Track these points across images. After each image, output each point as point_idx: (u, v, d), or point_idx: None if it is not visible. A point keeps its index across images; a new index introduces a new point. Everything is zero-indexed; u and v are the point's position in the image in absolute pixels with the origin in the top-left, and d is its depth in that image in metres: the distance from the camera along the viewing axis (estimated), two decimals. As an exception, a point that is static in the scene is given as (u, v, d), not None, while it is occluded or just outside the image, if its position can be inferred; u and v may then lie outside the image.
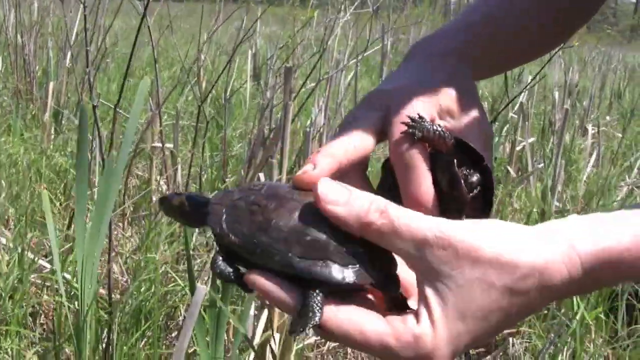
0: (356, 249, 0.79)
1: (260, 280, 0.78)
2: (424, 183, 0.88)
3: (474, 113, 0.95)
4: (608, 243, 0.75)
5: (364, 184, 0.92)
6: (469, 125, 0.93)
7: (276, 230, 0.79)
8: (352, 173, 0.92)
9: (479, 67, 1.02)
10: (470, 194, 0.87)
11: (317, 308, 0.76)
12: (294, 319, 0.76)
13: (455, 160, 0.87)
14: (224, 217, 0.81)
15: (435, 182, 0.88)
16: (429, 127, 0.87)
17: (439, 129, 0.87)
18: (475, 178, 0.87)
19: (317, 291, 0.77)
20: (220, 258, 0.80)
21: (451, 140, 0.88)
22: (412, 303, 0.82)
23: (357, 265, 0.78)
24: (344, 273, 0.78)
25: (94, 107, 2.34)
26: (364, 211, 0.77)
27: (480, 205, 0.89)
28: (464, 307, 0.74)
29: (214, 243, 0.85)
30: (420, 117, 0.88)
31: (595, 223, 0.77)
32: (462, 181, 0.87)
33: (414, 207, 0.86)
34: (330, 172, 0.85)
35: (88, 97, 3.04)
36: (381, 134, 0.92)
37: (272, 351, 2.30)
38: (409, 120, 0.87)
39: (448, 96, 0.94)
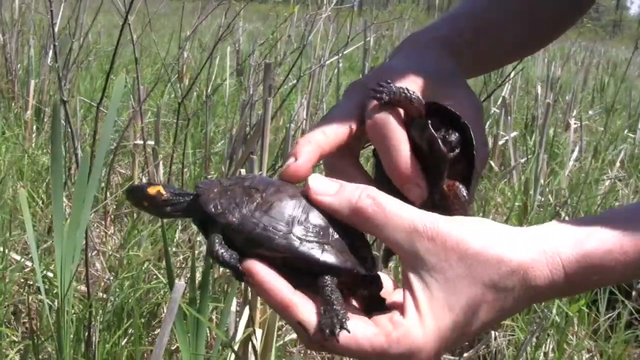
0: (349, 241, 0.81)
1: (261, 274, 0.77)
2: (402, 149, 0.87)
3: (460, 91, 0.95)
4: (590, 249, 0.76)
5: (358, 173, 0.93)
6: (456, 100, 0.92)
7: (277, 211, 0.79)
8: (345, 162, 0.93)
9: (463, 59, 1.02)
10: (452, 153, 0.86)
11: (342, 307, 0.76)
12: (323, 321, 0.75)
13: (429, 122, 0.86)
14: (218, 198, 0.80)
15: (417, 149, 0.88)
16: (395, 90, 0.86)
17: (407, 92, 0.87)
18: (454, 137, 0.86)
19: (331, 284, 0.77)
20: (217, 240, 0.79)
21: (422, 103, 0.87)
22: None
23: (352, 256, 0.80)
24: (343, 259, 0.79)
25: (64, 102, 2.33)
26: (355, 197, 0.79)
27: (465, 164, 0.87)
28: (451, 300, 0.75)
29: (202, 234, 0.83)
30: (388, 82, 0.87)
31: (578, 229, 0.78)
32: (441, 141, 0.86)
33: (397, 178, 0.87)
34: (314, 160, 0.86)
35: (66, 95, 3.04)
36: (361, 115, 0.92)
37: (254, 347, 2.30)
38: (374, 91, 0.87)
39: (428, 75, 0.94)
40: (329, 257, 0.78)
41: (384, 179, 0.90)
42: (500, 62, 1.25)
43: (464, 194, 0.87)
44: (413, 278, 0.76)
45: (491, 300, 0.76)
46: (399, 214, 0.77)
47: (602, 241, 0.76)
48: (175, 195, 0.84)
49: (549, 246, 0.76)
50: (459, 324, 0.76)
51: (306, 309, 0.76)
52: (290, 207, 0.80)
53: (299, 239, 0.78)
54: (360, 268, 0.81)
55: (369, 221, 0.78)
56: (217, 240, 0.78)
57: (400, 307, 0.77)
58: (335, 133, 0.89)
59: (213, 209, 0.79)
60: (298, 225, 0.79)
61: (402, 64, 0.96)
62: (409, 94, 0.87)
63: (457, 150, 0.87)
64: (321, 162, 0.90)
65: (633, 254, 0.76)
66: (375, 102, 0.88)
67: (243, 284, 2.38)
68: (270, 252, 0.78)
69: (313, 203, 0.81)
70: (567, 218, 4.02)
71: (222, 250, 0.78)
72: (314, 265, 0.78)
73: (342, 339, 0.74)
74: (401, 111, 0.88)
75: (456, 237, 0.76)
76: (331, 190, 0.81)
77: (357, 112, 0.91)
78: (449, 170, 0.88)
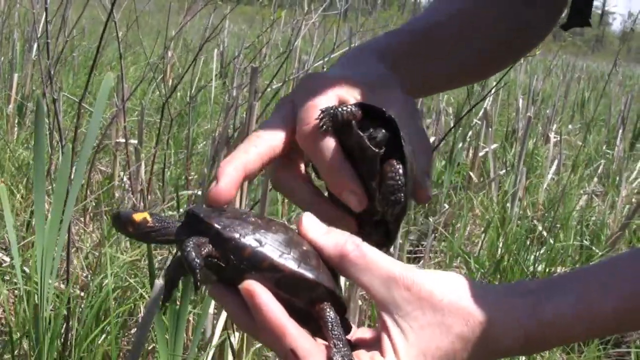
0: (332, 273, 0.84)
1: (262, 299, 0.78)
2: (334, 158, 0.89)
3: (393, 92, 0.97)
4: (548, 316, 0.81)
5: (306, 187, 0.94)
6: (390, 102, 0.94)
7: (274, 234, 0.82)
8: (291, 176, 0.94)
9: (401, 70, 1.02)
10: (380, 150, 0.87)
11: (345, 341, 0.80)
12: (334, 350, 0.78)
13: (354, 123, 0.88)
14: (219, 217, 0.82)
15: (350, 155, 0.89)
16: (335, 112, 0.88)
17: (345, 109, 0.88)
18: (380, 134, 0.88)
19: (330, 312, 0.81)
20: (192, 243, 0.79)
21: (359, 111, 0.89)
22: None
23: (337, 285, 0.84)
24: (333, 285, 0.83)
25: (55, 100, 2.33)
26: (341, 241, 0.83)
27: (397, 158, 0.88)
28: (424, 347, 0.80)
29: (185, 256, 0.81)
30: (324, 110, 0.88)
31: (539, 292, 0.83)
32: (367, 139, 0.87)
33: (333, 187, 0.90)
34: (236, 181, 0.87)
35: (52, 92, 3.03)
36: (293, 127, 0.93)
37: (231, 348, 2.30)
38: (314, 116, 0.89)
39: (361, 81, 0.96)
40: (323, 280, 0.82)
41: (330, 193, 0.93)
42: (448, 83, 1.24)
43: (399, 167, 0.88)
44: (390, 322, 0.80)
45: (458, 349, 0.80)
46: (378, 262, 0.82)
47: (562, 305, 0.81)
48: (161, 221, 0.84)
49: (513, 305, 0.81)
50: None
51: (299, 337, 0.78)
52: (284, 233, 0.83)
53: (297, 260, 0.81)
54: (343, 300, 0.85)
55: (350, 265, 0.82)
56: (191, 242, 0.79)
57: (375, 347, 0.81)
58: (258, 152, 0.90)
59: (218, 225, 0.80)
60: (294, 248, 0.82)
61: (335, 71, 0.98)
62: (349, 110, 0.88)
63: (384, 148, 0.88)
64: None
65: (588, 319, 0.81)
66: (309, 121, 0.89)
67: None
68: (270, 272, 0.80)
69: (303, 238, 0.84)
70: (544, 232, 4.06)
71: (193, 252, 0.78)
72: (310, 286, 0.81)
73: None
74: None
75: (430, 288, 0.81)
76: (321, 230, 0.85)
77: (285, 126, 0.92)
78: (384, 166, 0.89)
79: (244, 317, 0.81)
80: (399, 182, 0.88)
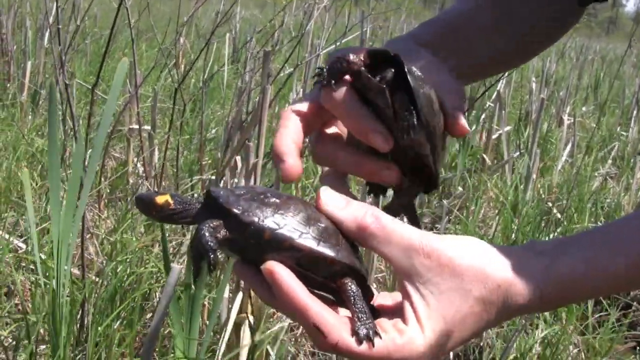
0: (352, 247, 0.86)
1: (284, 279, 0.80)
2: (354, 105, 0.92)
3: (415, 54, 1.01)
4: (563, 272, 0.84)
5: (344, 150, 0.97)
6: (420, 62, 0.97)
7: (293, 214, 0.84)
8: (327, 146, 0.98)
9: (435, 53, 1.04)
10: (385, 86, 0.89)
11: (369, 313, 0.81)
12: (360, 328, 0.79)
13: (362, 70, 0.90)
14: (237, 201, 0.83)
15: (369, 104, 0.91)
16: (330, 65, 0.91)
17: (343, 57, 0.90)
18: (389, 73, 0.90)
19: (352, 287, 0.82)
20: (207, 226, 0.81)
21: (359, 57, 0.91)
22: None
23: (357, 260, 0.86)
24: (353, 261, 0.85)
25: (67, 86, 2.33)
26: (360, 214, 0.85)
27: (405, 101, 0.90)
28: (445, 312, 0.82)
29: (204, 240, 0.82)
30: (319, 68, 0.92)
31: (554, 251, 0.86)
32: (378, 80, 0.89)
33: (358, 132, 0.92)
34: (298, 154, 0.91)
35: (67, 78, 3.03)
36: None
37: (250, 328, 2.31)
38: (315, 76, 0.92)
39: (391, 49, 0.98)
40: (343, 257, 0.83)
41: (354, 140, 0.95)
42: (482, 71, 1.27)
43: (405, 96, 0.89)
44: (411, 289, 0.82)
45: (478, 312, 0.83)
46: (398, 232, 0.84)
47: (574, 265, 0.84)
48: (182, 203, 0.86)
49: (528, 266, 0.84)
50: (451, 332, 0.82)
51: (322, 313, 0.80)
52: (303, 212, 0.84)
53: (316, 239, 0.82)
54: (364, 272, 0.86)
55: (371, 237, 0.84)
56: (207, 226, 0.81)
57: (397, 314, 0.84)
58: (294, 124, 0.94)
59: (237, 210, 0.82)
60: (313, 226, 0.83)
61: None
62: (343, 58, 0.90)
63: (390, 83, 0.90)
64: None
65: (599, 277, 0.84)
66: (314, 84, 0.94)
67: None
68: (290, 251, 0.81)
69: (321, 213, 0.86)
70: (558, 215, 4.05)
71: (208, 235, 0.80)
72: (330, 263, 0.83)
73: (354, 347, 0.79)
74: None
75: (449, 253, 0.83)
76: (340, 204, 0.86)
77: (312, 99, 0.96)
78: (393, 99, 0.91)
79: (267, 294, 0.83)
80: (407, 109, 0.89)
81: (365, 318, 0.80)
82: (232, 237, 0.82)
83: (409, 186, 0.97)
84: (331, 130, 0.99)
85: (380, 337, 0.79)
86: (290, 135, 0.92)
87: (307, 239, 0.82)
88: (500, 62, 1.23)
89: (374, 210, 0.85)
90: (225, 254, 0.84)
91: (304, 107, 0.95)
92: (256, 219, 0.81)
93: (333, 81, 0.91)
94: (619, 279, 0.84)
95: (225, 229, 0.82)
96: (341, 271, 0.83)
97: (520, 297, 0.83)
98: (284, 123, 0.93)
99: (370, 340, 0.79)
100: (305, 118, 0.94)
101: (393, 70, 0.90)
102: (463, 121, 0.96)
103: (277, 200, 0.84)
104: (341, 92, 0.91)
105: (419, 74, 0.90)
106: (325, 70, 0.92)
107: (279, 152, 0.91)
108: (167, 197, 0.86)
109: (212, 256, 0.80)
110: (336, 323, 0.80)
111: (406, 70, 0.89)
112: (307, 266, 0.82)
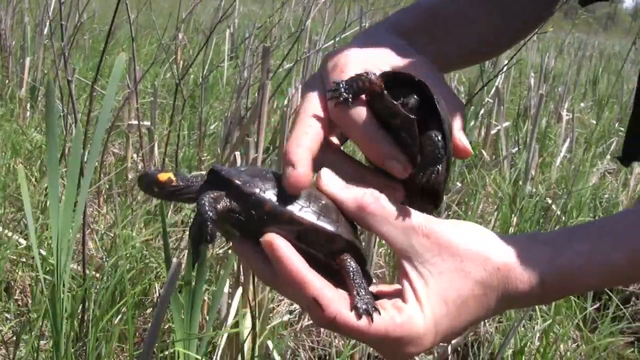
0: (351, 226, 0.86)
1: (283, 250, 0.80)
2: (370, 130, 0.88)
3: (415, 58, 0.98)
4: (565, 263, 0.83)
5: (346, 161, 0.93)
6: (414, 68, 0.95)
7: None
8: (330, 155, 0.93)
9: (414, 46, 1.02)
10: (413, 116, 0.86)
11: (367, 289, 0.81)
12: (359, 302, 0.79)
13: (385, 92, 0.87)
14: (239, 175, 0.83)
15: (385, 125, 0.89)
16: (350, 82, 0.88)
17: (362, 76, 0.87)
18: (411, 100, 0.87)
19: (351, 262, 0.82)
20: (207, 197, 0.81)
21: (379, 79, 0.88)
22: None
23: (356, 237, 0.86)
24: (352, 237, 0.85)
25: (69, 82, 2.34)
26: (360, 194, 0.85)
27: (435, 120, 0.87)
28: (444, 292, 0.81)
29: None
30: (336, 83, 0.88)
31: (556, 241, 0.85)
32: (401, 107, 0.86)
33: (375, 159, 0.89)
34: (310, 163, 0.86)
35: (63, 73, 3.03)
36: (326, 104, 0.93)
37: (254, 325, 2.31)
38: (331, 93, 0.88)
39: (382, 52, 0.97)
40: (343, 232, 0.83)
41: (371, 164, 0.92)
42: (459, 60, 1.23)
43: (438, 137, 0.86)
44: (410, 269, 0.82)
45: (478, 295, 0.82)
46: (397, 213, 0.83)
47: (575, 256, 0.83)
48: (185, 181, 0.86)
49: (529, 253, 0.83)
50: (451, 314, 0.81)
51: (322, 286, 0.79)
52: (304, 190, 0.84)
53: (316, 213, 0.82)
54: (364, 252, 0.86)
55: (369, 216, 0.84)
56: (206, 197, 0.80)
57: (396, 296, 0.83)
58: (315, 131, 0.89)
59: (238, 181, 0.82)
60: (313, 202, 0.83)
61: (354, 47, 0.98)
62: (365, 77, 0.87)
63: (414, 113, 0.87)
64: None
65: (602, 269, 0.83)
66: (330, 102, 0.89)
67: (236, 265, 2.41)
68: (290, 224, 0.81)
69: (322, 192, 0.86)
70: (557, 210, 4.06)
71: (207, 206, 0.80)
72: (330, 238, 0.82)
73: (352, 323, 0.79)
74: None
75: (448, 235, 0.82)
76: (340, 184, 0.86)
77: (323, 105, 0.92)
78: (422, 137, 0.88)
79: (266, 270, 0.82)
80: (439, 155, 0.86)
81: (364, 293, 0.80)
82: (232, 207, 0.81)
83: (414, 208, 0.94)
84: (335, 139, 0.95)
85: (380, 313, 0.79)
86: (307, 144, 0.87)
87: (307, 212, 0.82)
88: (486, 52, 1.23)
89: (374, 191, 0.85)
90: (224, 228, 0.83)
91: (321, 114, 0.90)
92: (257, 190, 0.81)
93: (350, 99, 0.87)
94: (622, 270, 0.84)
95: (226, 200, 0.81)
96: (341, 247, 0.83)
97: (521, 282, 0.82)
98: (304, 129, 0.88)
99: (369, 314, 0.78)
100: (325, 127, 0.90)
101: (416, 97, 0.87)
102: (466, 143, 0.93)
103: (277, 178, 0.84)
104: (359, 112, 0.88)
105: (443, 103, 0.87)
106: (342, 85, 0.88)
107: (292, 158, 0.85)
108: (170, 175, 0.86)
109: (210, 226, 0.79)
110: (335, 297, 0.79)
111: (437, 106, 0.86)
112: (307, 241, 0.82)
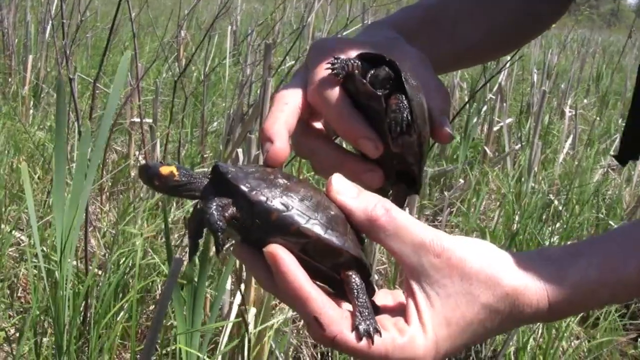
0: (359, 239, 0.83)
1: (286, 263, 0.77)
2: (343, 107, 0.89)
3: (405, 48, 0.98)
4: (572, 282, 0.81)
5: (332, 148, 0.94)
6: (403, 57, 0.95)
7: (303, 198, 0.80)
8: (318, 141, 0.94)
9: (416, 43, 1.02)
10: (382, 90, 0.87)
11: (371, 309, 0.79)
12: (360, 323, 0.77)
13: (356, 72, 0.88)
14: (246, 178, 0.80)
15: (358, 105, 0.90)
16: (346, 62, 0.89)
17: (353, 61, 0.89)
18: (382, 72, 0.88)
19: (356, 279, 0.80)
20: (215, 204, 0.78)
21: (357, 61, 0.89)
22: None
23: (362, 252, 0.83)
24: (359, 252, 0.82)
25: (71, 80, 2.34)
26: (371, 205, 0.82)
27: (400, 111, 0.88)
28: (450, 315, 0.79)
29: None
30: (336, 58, 0.89)
31: (563, 260, 0.83)
32: (371, 79, 0.87)
33: (347, 136, 0.90)
34: (288, 138, 0.87)
35: (67, 72, 3.03)
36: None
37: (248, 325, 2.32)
38: (329, 65, 0.89)
39: (375, 43, 0.97)
40: (350, 247, 0.80)
41: (355, 150, 0.93)
42: (455, 61, 1.23)
43: (404, 102, 0.87)
44: (416, 289, 0.80)
45: (483, 318, 0.80)
46: (408, 228, 0.81)
47: (582, 274, 0.81)
48: (187, 176, 0.83)
49: (538, 277, 0.81)
50: (453, 337, 0.80)
51: (323, 304, 0.77)
52: (312, 197, 0.81)
53: (324, 226, 0.79)
54: (369, 266, 0.84)
55: (380, 229, 0.81)
56: (214, 205, 0.78)
57: (399, 313, 0.81)
58: (291, 109, 0.90)
59: (245, 187, 0.79)
60: (321, 213, 0.80)
61: (347, 37, 0.99)
62: (355, 63, 0.89)
63: (388, 87, 0.88)
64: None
65: (612, 284, 0.82)
66: (320, 75, 0.90)
67: (237, 262, 2.41)
68: (296, 236, 0.78)
69: (331, 200, 0.83)
70: (560, 207, 4.05)
71: (216, 213, 0.77)
72: (336, 252, 0.80)
73: (353, 343, 0.77)
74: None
75: (460, 255, 0.80)
76: (352, 193, 0.83)
77: (303, 88, 0.93)
78: (388, 102, 0.89)
79: (268, 280, 0.80)
80: (404, 113, 0.87)
81: (367, 313, 0.77)
82: (238, 215, 0.78)
83: (395, 191, 0.95)
84: (317, 123, 0.96)
85: (380, 335, 0.77)
86: (283, 119, 0.88)
87: (314, 225, 0.78)
88: (472, 53, 1.20)
89: (386, 202, 0.82)
90: (229, 233, 0.80)
91: (298, 94, 0.91)
92: (264, 199, 0.78)
93: (341, 77, 0.88)
94: (632, 285, 0.82)
95: (233, 208, 0.78)
96: (347, 262, 0.80)
97: (528, 307, 0.81)
98: (279, 107, 0.89)
99: (370, 337, 0.76)
100: (301, 106, 0.91)
101: (387, 69, 0.88)
102: (449, 128, 0.93)
103: (287, 182, 0.81)
104: (333, 93, 0.89)
105: (414, 82, 0.89)
106: (340, 62, 0.88)
107: (269, 134, 0.86)
108: (173, 169, 0.82)
109: (220, 236, 0.76)
110: (336, 316, 0.77)
111: (404, 79, 0.87)
112: (313, 254, 0.79)
